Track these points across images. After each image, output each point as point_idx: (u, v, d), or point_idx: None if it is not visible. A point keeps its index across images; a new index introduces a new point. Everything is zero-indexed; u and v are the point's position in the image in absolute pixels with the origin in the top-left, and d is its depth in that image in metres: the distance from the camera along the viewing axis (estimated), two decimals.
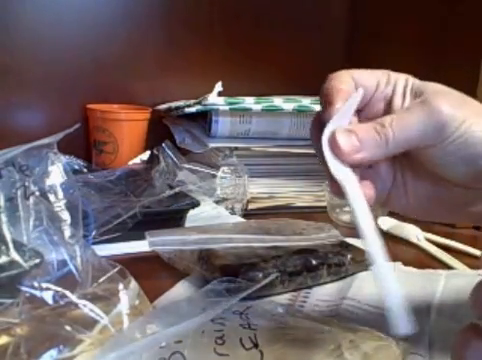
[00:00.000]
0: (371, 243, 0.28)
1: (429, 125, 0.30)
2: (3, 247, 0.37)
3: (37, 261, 0.38)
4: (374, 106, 0.34)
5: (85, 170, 0.75)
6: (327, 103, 0.32)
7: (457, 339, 0.24)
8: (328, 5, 1.03)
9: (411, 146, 0.31)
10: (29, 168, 0.40)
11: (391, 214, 0.70)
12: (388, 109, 0.34)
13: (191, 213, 0.63)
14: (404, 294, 0.26)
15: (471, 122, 0.30)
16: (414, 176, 0.35)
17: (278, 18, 0.99)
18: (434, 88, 0.32)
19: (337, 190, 0.31)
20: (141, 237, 0.53)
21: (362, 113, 0.34)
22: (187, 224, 0.62)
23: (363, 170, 0.33)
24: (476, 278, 0.53)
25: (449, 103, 0.30)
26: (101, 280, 0.38)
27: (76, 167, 0.75)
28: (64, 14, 0.85)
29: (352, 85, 0.33)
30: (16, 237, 0.38)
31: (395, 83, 0.33)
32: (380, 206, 0.36)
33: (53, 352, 0.31)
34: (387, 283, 0.26)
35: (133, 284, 0.38)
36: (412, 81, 0.33)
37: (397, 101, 0.33)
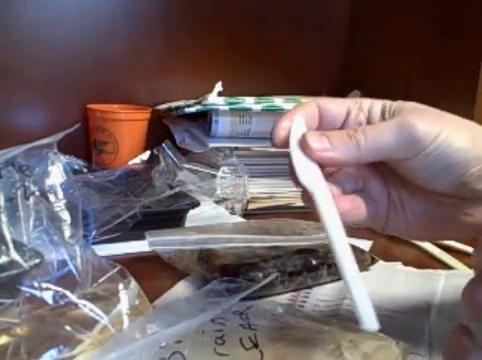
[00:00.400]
0: (338, 246, 0.28)
1: (402, 137, 0.30)
2: (3, 247, 0.37)
3: (37, 261, 0.38)
4: None
5: (85, 170, 0.75)
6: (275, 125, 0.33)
7: (452, 343, 0.24)
8: (329, 5, 1.04)
9: (384, 156, 0.31)
10: (29, 168, 0.40)
11: None
12: None
13: (191, 213, 0.63)
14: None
15: (447, 134, 0.30)
16: (408, 193, 0.35)
17: (278, 18, 0.99)
18: (411, 106, 0.32)
19: (307, 198, 0.31)
20: (141, 237, 0.53)
21: None
22: (187, 224, 0.62)
23: (355, 191, 0.33)
24: None
25: (423, 118, 0.31)
26: (101, 280, 0.38)
27: (76, 167, 0.75)
28: (64, 14, 0.85)
29: (314, 111, 0.33)
30: (16, 237, 0.38)
31: (369, 109, 0.33)
32: (381, 231, 0.36)
33: (53, 352, 0.31)
34: (355, 286, 0.26)
35: (133, 284, 0.38)
36: (390, 104, 0.33)
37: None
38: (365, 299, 0.26)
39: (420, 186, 0.33)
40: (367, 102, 0.34)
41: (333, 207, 0.30)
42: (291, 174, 0.32)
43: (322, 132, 0.31)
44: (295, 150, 0.31)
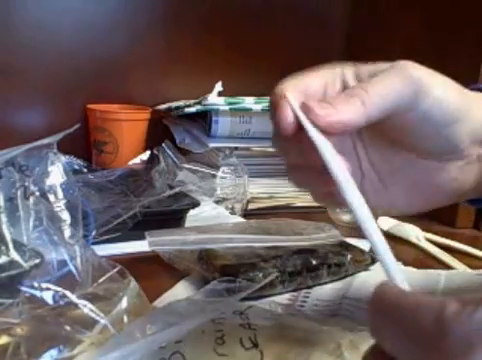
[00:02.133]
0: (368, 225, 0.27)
1: (406, 84, 0.29)
2: (3, 247, 0.37)
3: (37, 261, 0.38)
4: None
5: (85, 170, 0.75)
6: (276, 108, 0.31)
7: None
8: (329, 5, 1.03)
9: (390, 109, 0.29)
10: (29, 168, 0.40)
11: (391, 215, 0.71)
12: None
13: (191, 213, 0.63)
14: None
15: (445, 87, 0.30)
16: (389, 168, 0.34)
17: (278, 18, 0.99)
18: (396, 62, 0.31)
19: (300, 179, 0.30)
20: (141, 237, 0.53)
21: None
22: (187, 224, 0.62)
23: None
24: (476, 278, 0.53)
25: (422, 69, 0.30)
26: (101, 280, 0.38)
27: (76, 167, 0.75)
28: (64, 14, 0.85)
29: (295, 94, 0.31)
30: (16, 237, 0.38)
31: (343, 74, 0.32)
32: None
33: (53, 352, 0.31)
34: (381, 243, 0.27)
35: (133, 284, 0.38)
36: (362, 66, 0.32)
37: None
38: (393, 260, 0.25)
39: (402, 143, 0.32)
40: (339, 68, 0.33)
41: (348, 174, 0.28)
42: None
43: (318, 101, 0.30)
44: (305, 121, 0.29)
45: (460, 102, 0.31)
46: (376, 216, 0.35)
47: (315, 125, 0.28)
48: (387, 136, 0.33)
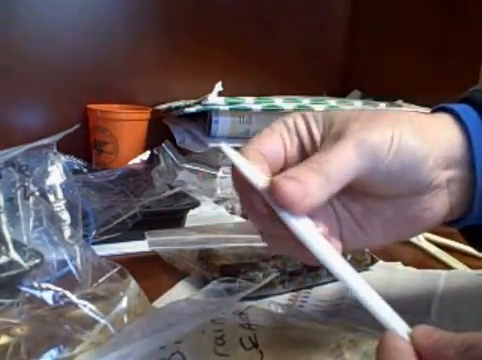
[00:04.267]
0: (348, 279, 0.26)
1: (363, 155, 0.29)
2: (3, 247, 0.37)
3: (37, 261, 0.38)
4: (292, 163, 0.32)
5: (85, 170, 0.75)
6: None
7: None
8: (329, 6, 1.04)
9: (349, 180, 0.30)
10: (29, 168, 0.40)
11: None
12: (304, 153, 0.32)
13: (191, 213, 0.63)
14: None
15: (399, 134, 0.30)
16: (362, 209, 0.34)
17: (278, 18, 0.99)
18: (349, 117, 0.31)
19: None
20: (141, 237, 0.53)
21: None
22: (187, 224, 0.62)
23: None
24: (476, 278, 0.53)
25: (373, 127, 0.30)
26: (101, 280, 0.38)
27: (76, 167, 0.75)
28: (64, 14, 0.85)
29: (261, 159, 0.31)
30: (16, 237, 0.38)
31: (296, 129, 0.32)
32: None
33: (53, 352, 0.31)
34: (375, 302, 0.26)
35: (133, 284, 0.38)
36: (312, 119, 0.32)
37: (307, 144, 0.32)
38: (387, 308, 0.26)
39: (378, 195, 0.33)
40: (290, 121, 0.33)
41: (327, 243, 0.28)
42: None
43: (288, 175, 0.28)
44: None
45: (420, 145, 0.31)
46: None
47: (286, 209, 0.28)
48: (352, 187, 0.32)
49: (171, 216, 0.61)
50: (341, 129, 0.30)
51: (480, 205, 0.33)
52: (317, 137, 0.32)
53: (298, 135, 0.32)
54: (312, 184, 0.28)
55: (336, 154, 0.29)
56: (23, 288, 0.35)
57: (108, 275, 0.38)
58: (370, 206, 0.33)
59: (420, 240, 0.64)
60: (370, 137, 0.30)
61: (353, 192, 0.33)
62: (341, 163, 0.29)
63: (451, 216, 0.34)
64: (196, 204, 0.63)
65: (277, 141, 0.32)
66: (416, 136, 0.31)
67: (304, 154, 0.32)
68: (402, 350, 0.22)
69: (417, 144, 0.31)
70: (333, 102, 0.81)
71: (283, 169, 0.32)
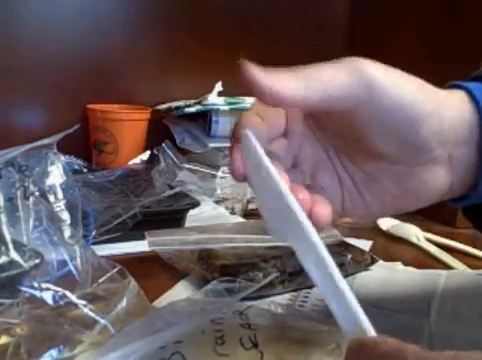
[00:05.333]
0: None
1: (353, 80, 0.28)
2: (3, 247, 0.37)
3: (37, 261, 0.38)
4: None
5: (85, 170, 0.75)
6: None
7: None
8: (329, 5, 1.04)
9: (331, 99, 0.28)
10: (29, 168, 0.40)
11: (390, 214, 0.71)
12: None
13: (191, 213, 0.63)
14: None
15: (404, 88, 0.29)
16: (363, 174, 0.34)
17: (278, 18, 0.99)
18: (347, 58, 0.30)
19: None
20: (141, 237, 0.53)
21: None
22: (187, 224, 0.62)
23: (312, 193, 0.30)
24: (476, 278, 0.53)
25: (378, 67, 0.29)
26: (101, 280, 0.38)
27: (76, 167, 0.75)
28: (64, 14, 0.85)
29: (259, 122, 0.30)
30: (16, 237, 0.38)
31: None
32: (337, 218, 0.34)
33: (53, 352, 0.32)
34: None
35: (133, 284, 0.38)
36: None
37: None
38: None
39: (377, 153, 0.32)
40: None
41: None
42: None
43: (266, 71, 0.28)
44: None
45: (423, 103, 0.29)
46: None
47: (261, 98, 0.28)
48: (354, 142, 0.32)
49: (171, 216, 0.61)
50: (346, 61, 0.29)
51: None
52: None
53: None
54: (288, 80, 0.28)
55: (322, 68, 0.28)
56: (23, 288, 0.35)
57: (108, 275, 0.38)
58: (369, 170, 0.33)
59: (420, 240, 0.64)
60: (371, 71, 0.28)
61: (352, 151, 0.33)
62: (326, 74, 0.28)
63: (451, 194, 0.34)
64: (196, 204, 0.63)
65: (280, 112, 0.31)
66: (422, 92, 0.30)
67: None
68: None
69: (421, 98, 0.29)
70: None
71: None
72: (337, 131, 0.32)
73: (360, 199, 0.34)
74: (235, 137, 0.29)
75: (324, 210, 0.29)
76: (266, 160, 0.26)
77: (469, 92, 0.32)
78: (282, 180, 0.26)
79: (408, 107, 0.29)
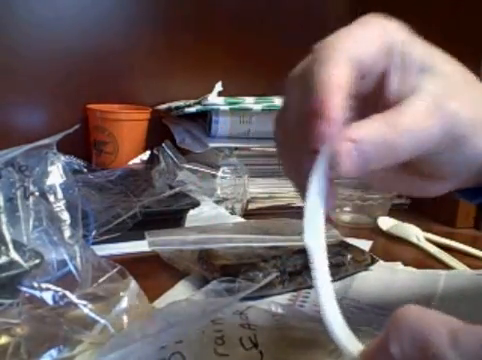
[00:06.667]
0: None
1: (447, 134, 0.26)
2: (3, 247, 0.37)
3: (37, 261, 0.38)
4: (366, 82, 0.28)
5: (85, 170, 0.75)
6: (325, 108, 0.25)
7: None
8: (329, 5, 1.03)
9: (421, 151, 0.26)
10: (28, 168, 0.40)
11: (391, 214, 0.71)
12: (382, 82, 0.28)
13: (191, 213, 0.63)
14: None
15: (475, 115, 0.27)
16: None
17: (279, 18, 0.99)
18: (442, 73, 0.27)
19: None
20: (141, 237, 0.53)
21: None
22: (187, 224, 0.62)
23: None
24: (476, 278, 0.53)
25: (458, 98, 0.27)
26: (101, 280, 0.38)
27: (76, 167, 0.75)
28: (64, 14, 0.85)
29: (348, 77, 0.26)
30: (16, 237, 0.38)
31: (392, 54, 0.28)
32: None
33: (53, 352, 0.31)
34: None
35: (133, 284, 0.38)
36: (410, 50, 0.28)
37: (393, 77, 0.28)
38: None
39: (417, 175, 0.30)
40: (391, 40, 0.29)
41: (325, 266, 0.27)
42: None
43: (352, 138, 0.25)
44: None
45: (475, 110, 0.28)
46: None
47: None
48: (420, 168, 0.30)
49: (171, 216, 0.61)
50: (435, 100, 0.26)
51: None
52: (406, 76, 0.28)
53: (391, 62, 0.28)
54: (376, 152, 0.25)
55: (417, 124, 0.25)
56: (23, 288, 0.35)
57: (108, 275, 0.38)
58: (389, 179, 0.31)
59: (420, 240, 0.64)
60: (455, 106, 0.26)
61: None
62: (419, 137, 0.25)
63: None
64: (196, 204, 0.63)
65: (374, 50, 0.29)
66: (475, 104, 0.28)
67: (381, 81, 0.28)
68: None
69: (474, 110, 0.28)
70: None
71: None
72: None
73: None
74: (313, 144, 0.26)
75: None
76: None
77: None
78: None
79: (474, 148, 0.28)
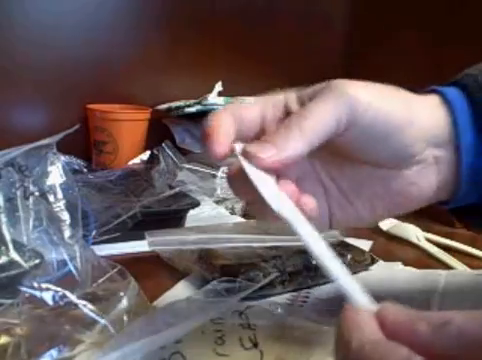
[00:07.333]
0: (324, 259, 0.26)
1: (341, 108, 0.29)
2: (3, 247, 0.37)
3: (37, 261, 0.38)
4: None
5: (85, 170, 0.75)
6: (212, 142, 0.30)
7: None
8: (329, 5, 1.04)
9: (327, 134, 0.29)
10: (28, 168, 0.40)
11: None
12: None
13: (191, 213, 0.63)
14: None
15: (382, 100, 0.31)
16: (349, 181, 0.34)
17: (279, 18, 0.99)
18: (333, 83, 0.31)
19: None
20: (141, 237, 0.53)
21: None
22: (187, 224, 0.62)
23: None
24: (476, 278, 0.53)
25: (357, 86, 0.30)
26: (101, 280, 0.38)
27: (76, 167, 0.75)
28: (64, 14, 0.85)
29: (231, 122, 0.31)
30: (16, 237, 0.38)
31: (286, 99, 0.32)
32: (329, 228, 0.35)
33: (53, 352, 0.32)
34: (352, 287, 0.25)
35: (133, 284, 0.38)
36: (304, 90, 0.32)
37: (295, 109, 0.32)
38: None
39: (361, 161, 0.33)
40: (279, 98, 0.33)
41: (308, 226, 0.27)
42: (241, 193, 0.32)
43: (257, 141, 0.30)
44: (253, 175, 0.29)
45: (401, 110, 0.31)
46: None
47: (258, 167, 0.29)
48: (338, 154, 0.33)
49: (171, 216, 0.61)
50: (328, 87, 0.30)
51: (467, 186, 0.33)
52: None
53: (285, 105, 0.32)
54: (283, 140, 0.29)
55: (314, 106, 0.29)
56: (23, 288, 0.35)
57: (108, 275, 0.38)
58: (356, 176, 0.34)
59: (420, 240, 0.64)
60: (352, 91, 0.30)
61: (338, 159, 0.33)
62: (319, 113, 0.29)
63: (438, 196, 0.34)
64: (196, 204, 0.63)
65: (254, 111, 0.32)
66: (400, 102, 0.32)
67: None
68: (363, 322, 0.21)
69: (400, 108, 0.31)
70: None
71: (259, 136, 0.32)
72: (322, 146, 0.33)
73: (350, 207, 0.34)
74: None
75: (310, 200, 0.30)
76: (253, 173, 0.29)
77: (442, 95, 0.33)
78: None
79: (390, 117, 0.31)
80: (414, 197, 0.34)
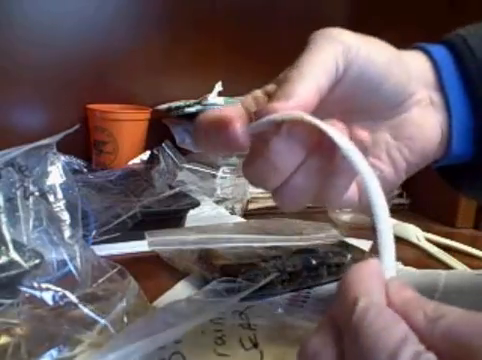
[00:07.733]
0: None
1: (339, 49, 0.31)
2: (3, 247, 0.37)
3: (37, 261, 0.38)
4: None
5: (85, 170, 0.75)
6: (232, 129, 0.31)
7: None
8: (328, 5, 1.03)
9: (329, 77, 0.31)
10: (28, 168, 0.40)
11: (391, 214, 0.70)
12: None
13: (191, 213, 0.63)
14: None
15: (371, 45, 0.33)
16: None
17: (279, 18, 0.99)
18: (317, 32, 0.34)
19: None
20: (141, 237, 0.53)
21: None
22: (187, 224, 0.62)
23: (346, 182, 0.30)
24: (476, 278, 0.53)
25: (342, 32, 0.32)
26: (101, 280, 0.38)
27: (76, 167, 0.75)
28: (64, 14, 0.85)
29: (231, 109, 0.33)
30: (16, 237, 0.38)
31: (263, 89, 0.35)
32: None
33: (53, 352, 0.32)
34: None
35: (133, 284, 0.38)
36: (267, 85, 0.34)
37: None
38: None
39: (365, 113, 0.34)
40: (257, 90, 0.35)
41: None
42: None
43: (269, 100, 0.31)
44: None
45: (391, 51, 0.34)
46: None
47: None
48: (345, 112, 0.33)
49: (171, 216, 0.61)
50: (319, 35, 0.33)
51: (459, 137, 0.35)
52: None
53: (267, 94, 0.34)
54: (288, 90, 0.30)
55: (309, 54, 0.32)
56: (23, 288, 0.35)
57: (108, 275, 0.38)
58: (371, 129, 0.34)
59: (420, 240, 0.64)
60: (341, 36, 0.32)
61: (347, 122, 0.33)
62: (318, 57, 0.31)
63: (444, 139, 0.35)
64: (196, 204, 0.63)
65: (237, 107, 0.33)
66: (387, 46, 0.34)
67: None
68: (376, 286, 0.22)
69: (389, 49, 0.34)
70: None
71: None
72: (337, 101, 0.33)
73: (373, 169, 0.34)
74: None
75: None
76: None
77: (422, 48, 0.37)
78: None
79: (381, 59, 0.33)
80: (425, 139, 0.35)
